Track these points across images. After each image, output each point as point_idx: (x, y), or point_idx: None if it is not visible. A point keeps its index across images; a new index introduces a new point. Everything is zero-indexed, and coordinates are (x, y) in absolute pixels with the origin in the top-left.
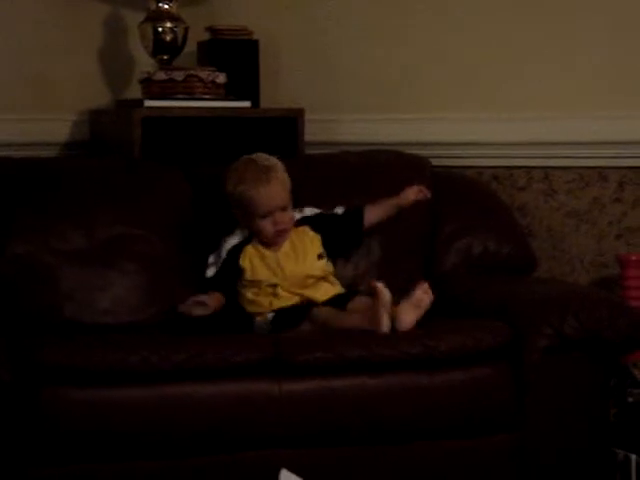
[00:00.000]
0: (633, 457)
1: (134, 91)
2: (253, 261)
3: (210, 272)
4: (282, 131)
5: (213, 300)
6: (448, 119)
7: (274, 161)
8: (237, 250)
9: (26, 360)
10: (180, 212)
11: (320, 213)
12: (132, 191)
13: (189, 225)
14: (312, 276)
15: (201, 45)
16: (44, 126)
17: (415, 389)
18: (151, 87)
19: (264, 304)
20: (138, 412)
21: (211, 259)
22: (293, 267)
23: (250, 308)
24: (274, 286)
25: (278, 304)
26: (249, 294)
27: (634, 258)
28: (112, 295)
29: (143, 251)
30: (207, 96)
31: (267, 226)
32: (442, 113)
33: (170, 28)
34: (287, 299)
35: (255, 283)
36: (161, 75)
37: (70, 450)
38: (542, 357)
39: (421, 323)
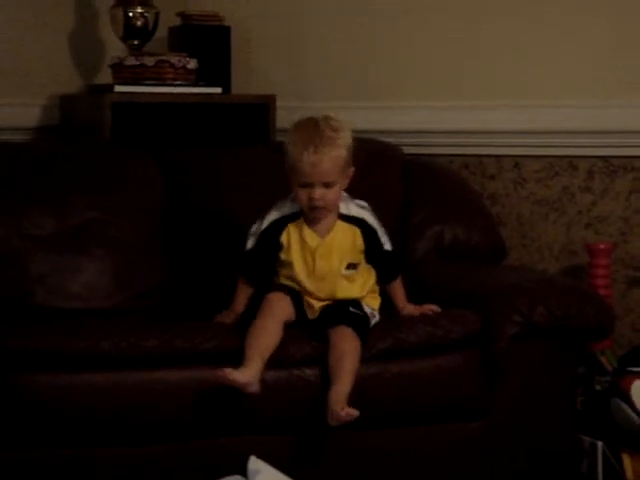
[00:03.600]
0: (599, 444)
1: (105, 76)
2: (291, 238)
3: (249, 243)
4: (253, 118)
5: (232, 318)
6: (420, 107)
7: (337, 133)
8: (282, 223)
9: None
10: (151, 197)
11: (371, 227)
12: (102, 176)
13: (160, 210)
14: (337, 280)
15: (172, 30)
16: (14, 111)
17: (384, 377)
18: (122, 72)
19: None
20: (108, 398)
21: (253, 228)
22: (324, 263)
23: None
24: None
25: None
26: (282, 278)
27: (603, 247)
28: (83, 280)
29: (114, 236)
30: (178, 82)
31: (303, 197)
32: (414, 101)
33: (141, 13)
34: (315, 308)
35: (288, 265)
36: (132, 60)
37: (39, 435)
38: (511, 345)
39: (392, 312)
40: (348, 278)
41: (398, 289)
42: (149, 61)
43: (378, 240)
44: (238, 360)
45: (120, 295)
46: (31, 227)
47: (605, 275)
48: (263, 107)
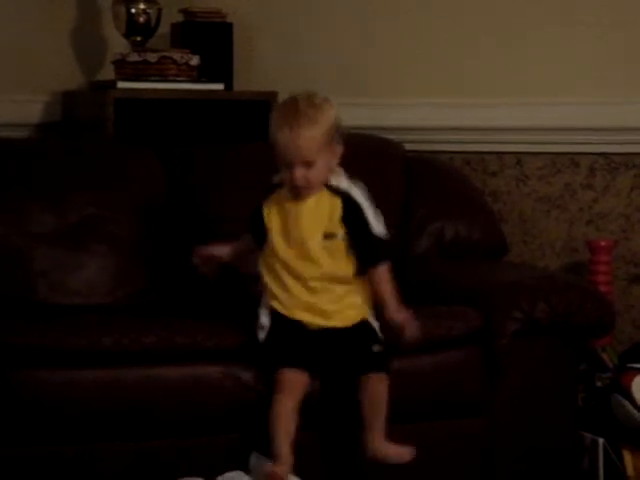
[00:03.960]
0: (600, 441)
1: (107, 72)
2: (271, 211)
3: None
4: (255, 114)
5: (227, 250)
6: (421, 104)
7: (316, 111)
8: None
9: None
10: (152, 194)
11: (354, 202)
12: (104, 173)
13: (161, 207)
14: (311, 253)
15: (175, 27)
16: (16, 107)
17: None
18: (124, 68)
19: (277, 294)
20: (109, 394)
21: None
22: (294, 228)
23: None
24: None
25: (290, 304)
26: (267, 258)
27: (604, 244)
28: (84, 276)
29: (114, 233)
30: (180, 78)
31: (285, 176)
32: (415, 98)
33: (143, 9)
34: (297, 302)
35: (271, 243)
36: (134, 56)
37: (40, 432)
38: (512, 341)
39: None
40: (328, 251)
41: (383, 282)
42: (152, 57)
43: (362, 217)
44: (237, 358)
45: (121, 291)
46: (33, 224)
47: (606, 272)
48: (265, 104)
